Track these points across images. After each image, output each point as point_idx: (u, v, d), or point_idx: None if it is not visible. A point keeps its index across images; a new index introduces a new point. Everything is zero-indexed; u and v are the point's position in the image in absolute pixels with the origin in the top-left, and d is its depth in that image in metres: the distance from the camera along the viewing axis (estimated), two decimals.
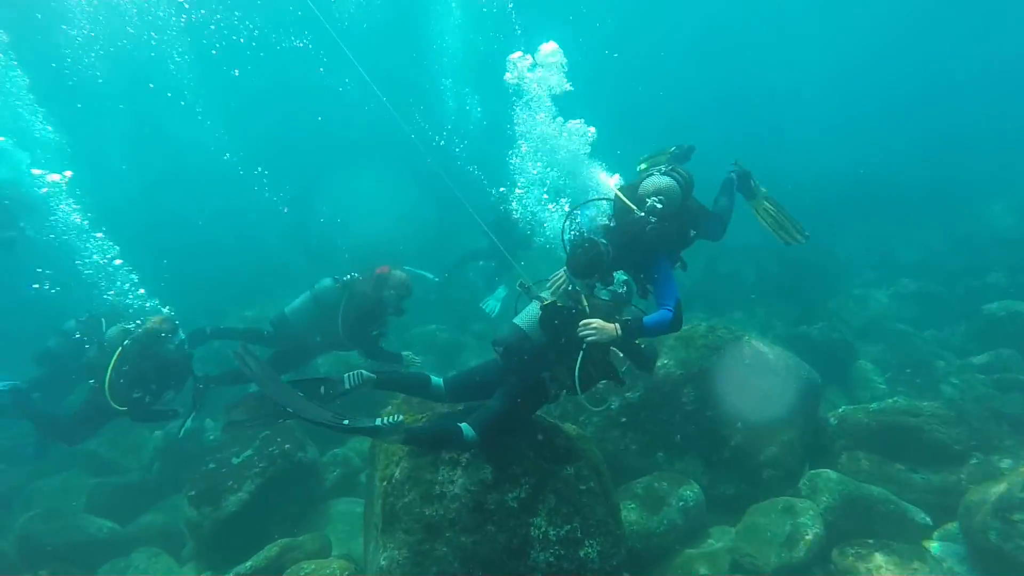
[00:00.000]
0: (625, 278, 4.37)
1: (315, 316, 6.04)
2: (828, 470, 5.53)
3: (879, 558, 4.39)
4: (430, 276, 9.99)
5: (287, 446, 6.02)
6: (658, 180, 4.06)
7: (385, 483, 3.84)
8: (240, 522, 5.44)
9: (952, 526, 5.00)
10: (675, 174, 4.13)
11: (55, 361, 6.64)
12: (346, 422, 3.54)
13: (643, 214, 3.92)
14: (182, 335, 5.53)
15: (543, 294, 4.00)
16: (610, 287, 4.20)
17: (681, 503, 5.10)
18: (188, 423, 5.68)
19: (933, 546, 4.88)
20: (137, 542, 5.93)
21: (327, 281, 6.07)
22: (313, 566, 4.67)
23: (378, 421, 3.55)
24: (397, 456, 3.86)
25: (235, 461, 5.90)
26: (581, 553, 3.66)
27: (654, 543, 4.89)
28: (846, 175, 17.39)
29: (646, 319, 3.70)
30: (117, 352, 5.28)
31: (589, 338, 3.53)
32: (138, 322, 5.49)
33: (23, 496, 6.90)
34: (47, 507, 6.41)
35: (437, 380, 4.21)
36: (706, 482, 5.48)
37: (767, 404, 5.69)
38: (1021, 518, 4.30)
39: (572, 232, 4.22)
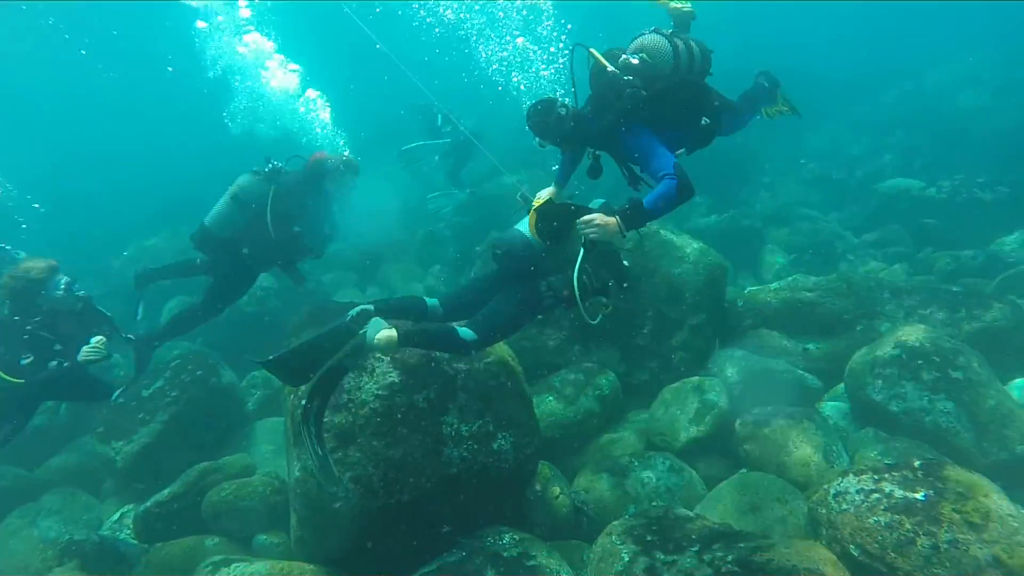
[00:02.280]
0: (600, 204, 4.13)
1: (239, 221, 5.15)
2: (734, 348, 5.86)
3: (774, 421, 4.75)
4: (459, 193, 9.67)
5: (199, 372, 5.84)
6: (647, 37, 3.52)
7: (292, 396, 3.78)
8: (156, 452, 5.33)
9: (839, 388, 5.46)
10: (674, 38, 3.55)
11: None
12: (329, 365, 3.18)
13: (615, 70, 3.36)
14: (64, 276, 4.67)
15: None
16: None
17: (597, 392, 5.31)
18: (126, 388, 5.21)
19: (823, 406, 5.35)
20: (48, 485, 5.67)
21: (245, 177, 5.18)
22: (234, 485, 4.66)
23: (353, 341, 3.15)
24: None
25: (145, 393, 5.68)
26: (494, 446, 3.77)
27: (572, 431, 5.12)
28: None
29: (646, 199, 3.16)
30: None
31: (590, 235, 3.15)
32: None
33: None
34: None
35: (432, 301, 3.83)
36: (622, 370, 5.70)
37: (677, 291, 5.91)
38: (892, 372, 4.75)
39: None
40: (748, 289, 6.64)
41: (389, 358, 3.71)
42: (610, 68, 3.38)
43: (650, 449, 5.01)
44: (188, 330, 5.64)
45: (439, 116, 9.89)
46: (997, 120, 11.95)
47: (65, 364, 4.47)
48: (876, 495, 3.22)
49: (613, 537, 3.55)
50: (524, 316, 3.66)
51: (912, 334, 4.98)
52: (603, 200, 3.83)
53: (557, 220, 3.30)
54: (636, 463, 4.65)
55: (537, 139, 3.63)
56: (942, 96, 13.54)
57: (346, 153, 5.41)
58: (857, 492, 3.29)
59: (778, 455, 4.58)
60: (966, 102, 12.97)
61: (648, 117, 3.36)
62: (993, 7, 20.49)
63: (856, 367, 5.09)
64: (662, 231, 6.14)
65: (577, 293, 3.33)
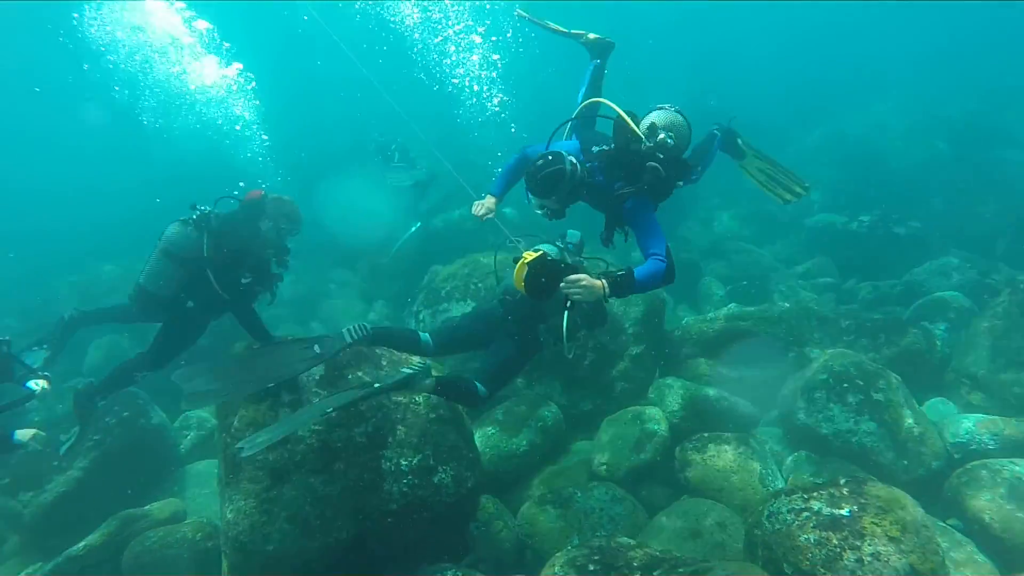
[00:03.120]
0: (578, 237, 4.18)
1: (176, 276, 4.68)
2: (672, 377, 6.01)
3: (712, 447, 4.87)
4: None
5: (125, 414, 5.53)
6: (671, 115, 3.58)
7: (225, 434, 3.64)
8: (72, 503, 4.97)
9: (774, 413, 5.66)
10: (684, 116, 3.65)
11: None
12: (377, 385, 3.30)
13: (651, 146, 3.38)
14: None
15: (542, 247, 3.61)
16: (568, 242, 4.01)
17: (540, 423, 5.32)
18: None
19: (759, 431, 5.52)
20: None
21: (173, 227, 4.68)
22: (161, 533, 4.41)
23: (406, 370, 3.36)
24: (235, 404, 3.65)
25: (62, 438, 5.31)
26: (435, 479, 3.71)
27: (515, 463, 5.10)
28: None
29: (638, 272, 3.18)
30: None
31: (575, 297, 3.09)
32: None
33: None
34: None
35: (425, 336, 3.93)
36: (565, 401, 5.75)
37: (617, 323, 6.04)
38: (820, 395, 4.97)
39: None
40: (686, 320, 6.86)
41: (327, 392, 3.63)
42: (647, 144, 3.38)
43: (593, 479, 5.03)
44: (134, 382, 5.10)
45: (396, 153, 9.93)
46: (905, 160, 12.96)
47: None
48: (806, 513, 3.33)
49: (556, 568, 3.52)
50: (526, 361, 3.84)
51: (838, 359, 5.25)
52: (579, 233, 3.94)
53: (546, 277, 3.14)
54: (579, 494, 4.66)
55: (537, 201, 3.51)
56: (859, 139, 14.57)
57: (286, 197, 4.96)
58: (788, 511, 3.39)
59: (717, 481, 4.69)
60: (880, 145, 14.01)
61: (655, 191, 3.44)
62: (900, 58, 22.40)
63: (788, 392, 5.31)
64: (602, 263, 6.29)
65: (565, 340, 3.38)
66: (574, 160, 3.43)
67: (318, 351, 3.49)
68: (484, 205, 3.98)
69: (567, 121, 3.91)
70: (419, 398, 3.85)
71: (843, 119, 16.04)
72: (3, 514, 5.12)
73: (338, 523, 3.44)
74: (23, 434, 4.13)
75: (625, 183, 3.42)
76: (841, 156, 13.88)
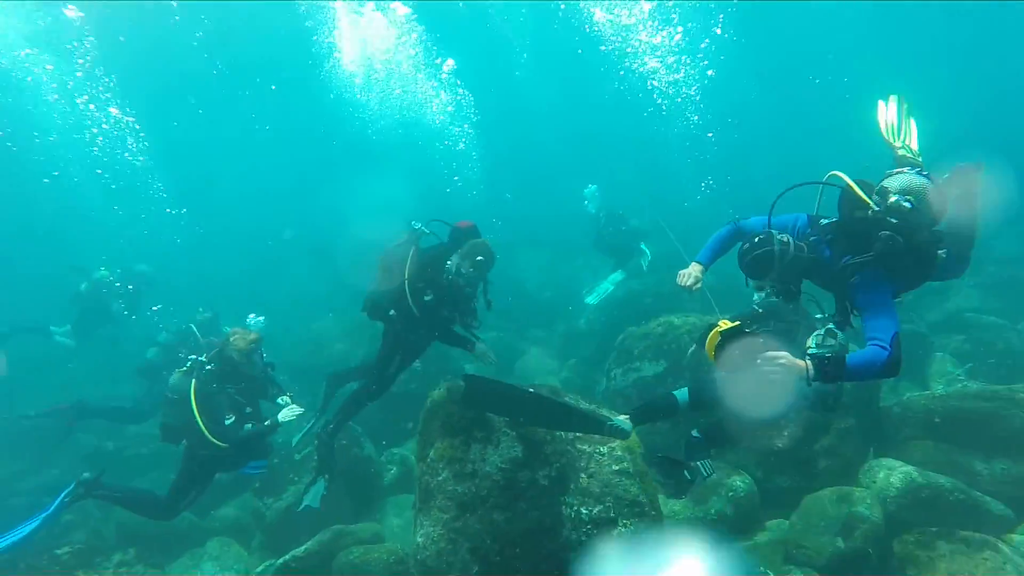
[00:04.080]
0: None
1: (386, 283, 5.04)
2: (890, 459, 5.26)
3: (943, 546, 4.14)
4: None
5: (344, 442, 6.32)
6: (911, 178, 3.20)
7: (421, 463, 4.01)
8: (300, 512, 5.74)
9: None
10: (932, 179, 3.26)
11: (156, 373, 7.17)
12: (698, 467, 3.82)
13: (879, 211, 3.05)
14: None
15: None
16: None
17: (731, 493, 5.00)
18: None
19: (1015, 539, 4.54)
20: (212, 532, 6.35)
21: (394, 241, 5.05)
22: (362, 550, 4.92)
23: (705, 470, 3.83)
24: (432, 437, 4.02)
25: (297, 457, 6.26)
26: (615, 533, 3.67)
27: (701, 532, 4.80)
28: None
29: (851, 358, 2.84)
30: (192, 391, 4.80)
31: (771, 376, 2.83)
32: (198, 357, 5.07)
33: None
34: None
35: (682, 395, 3.91)
36: (759, 474, 5.33)
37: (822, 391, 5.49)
38: None
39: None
40: (907, 395, 5.98)
41: (515, 432, 3.84)
42: (873, 209, 3.07)
43: (788, 562, 4.57)
44: (357, 413, 5.57)
45: (602, 216, 10.46)
46: None
47: (257, 426, 4.82)
48: None
49: None
50: None
51: None
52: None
53: (740, 350, 2.94)
54: None
55: (751, 281, 3.36)
56: None
57: (485, 241, 5.00)
58: None
59: None
60: None
61: (891, 265, 3.05)
62: None
63: None
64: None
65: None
66: (786, 239, 3.18)
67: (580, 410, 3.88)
68: (691, 274, 3.78)
69: (789, 189, 3.35)
70: (603, 448, 3.88)
71: None
72: (253, 514, 6.13)
73: (516, 563, 3.54)
74: (283, 414, 4.81)
75: (851, 255, 3.09)
76: None
